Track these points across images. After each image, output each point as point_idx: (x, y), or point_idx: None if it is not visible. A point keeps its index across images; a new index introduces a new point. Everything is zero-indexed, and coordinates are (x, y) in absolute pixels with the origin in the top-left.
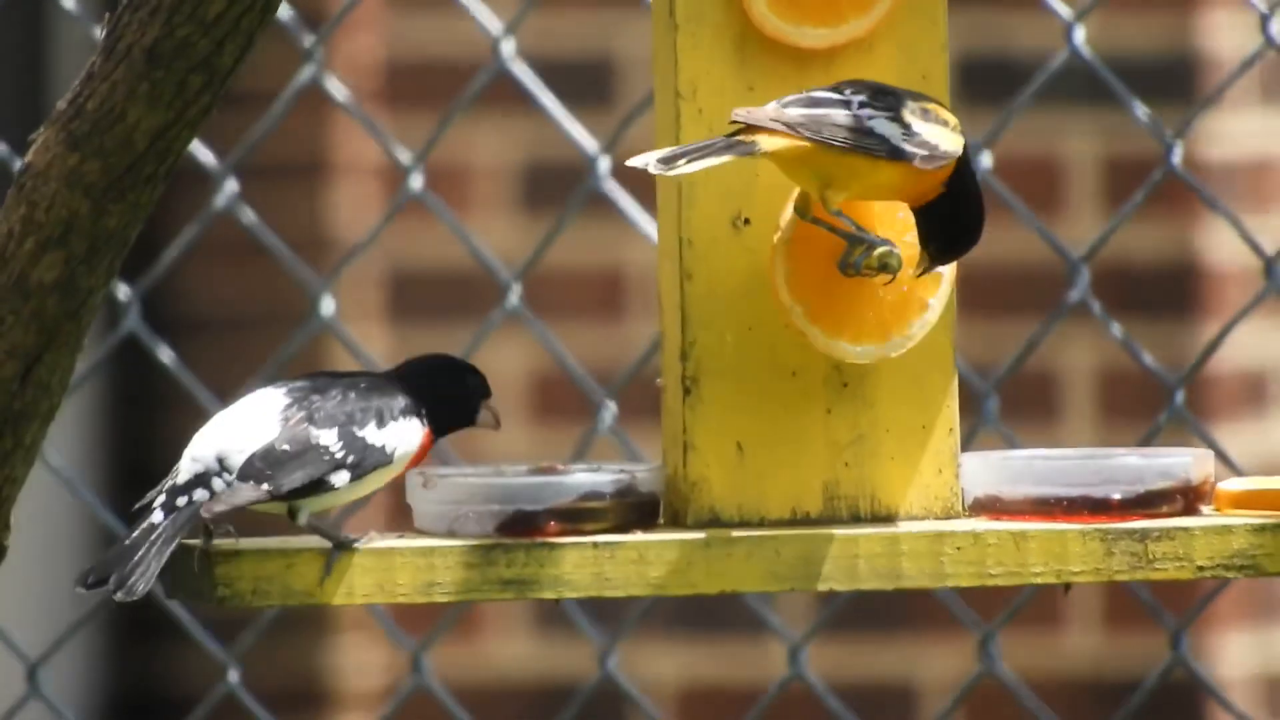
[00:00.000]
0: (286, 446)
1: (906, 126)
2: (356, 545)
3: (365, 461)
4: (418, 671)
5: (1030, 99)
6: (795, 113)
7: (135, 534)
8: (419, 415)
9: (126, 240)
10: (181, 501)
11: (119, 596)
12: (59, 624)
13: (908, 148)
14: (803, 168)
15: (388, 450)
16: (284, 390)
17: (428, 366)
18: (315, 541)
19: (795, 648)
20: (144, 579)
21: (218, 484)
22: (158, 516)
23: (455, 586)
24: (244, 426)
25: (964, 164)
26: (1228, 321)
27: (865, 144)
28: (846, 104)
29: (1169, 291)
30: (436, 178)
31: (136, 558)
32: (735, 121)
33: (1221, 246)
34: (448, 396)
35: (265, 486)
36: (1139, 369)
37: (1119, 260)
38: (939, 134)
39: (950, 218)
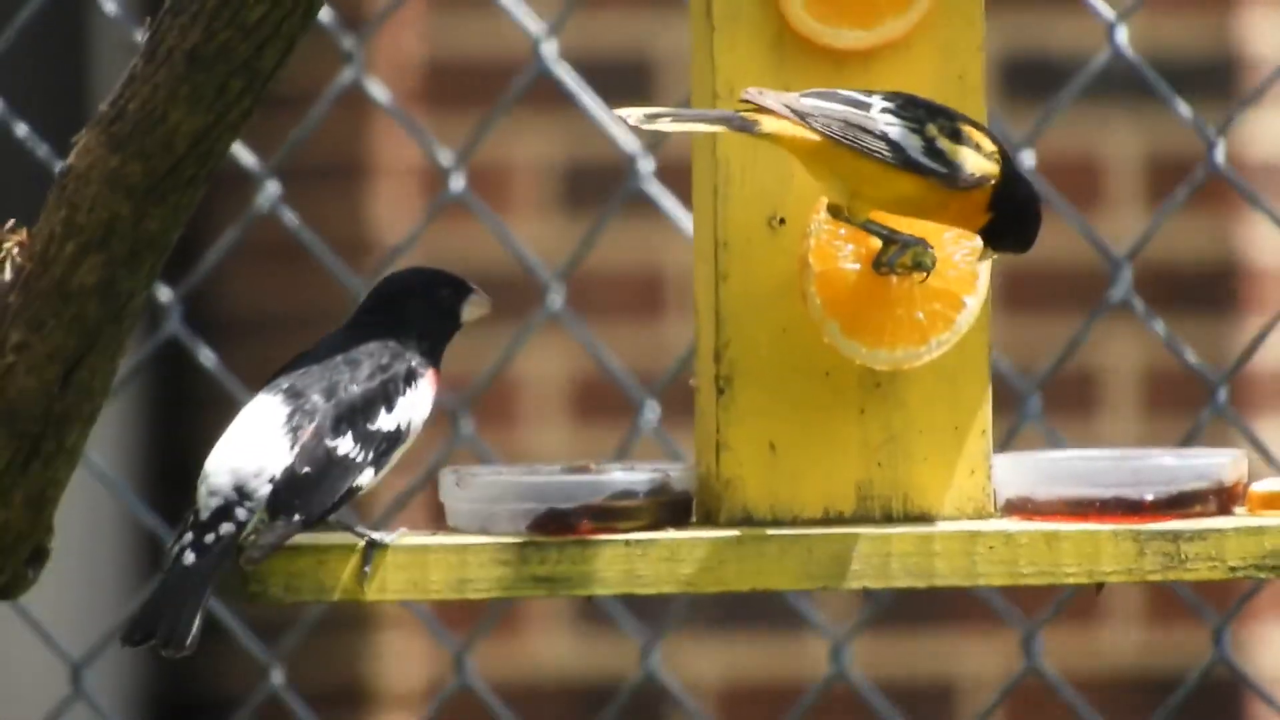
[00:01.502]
0: (308, 469)
1: (929, 141)
2: (389, 542)
3: (385, 452)
4: (461, 671)
5: (1072, 97)
6: (808, 103)
7: (170, 580)
8: (418, 371)
9: (168, 243)
10: (209, 539)
11: (168, 652)
12: (101, 624)
13: (924, 161)
14: (821, 167)
15: (401, 429)
16: (280, 396)
17: (394, 299)
18: (346, 537)
19: (838, 645)
20: (190, 630)
21: (241, 514)
22: (189, 558)
23: (488, 583)
24: (254, 447)
25: (1008, 183)
26: (1270, 319)
27: (873, 147)
28: (867, 106)
29: (1211, 289)
30: (477, 178)
31: (178, 608)
32: (745, 101)
33: (1263, 244)
34: (431, 323)
35: (298, 518)
36: (1181, 366)
37: (1161, 258)
38: (967, 156)
39: (1006, 232)
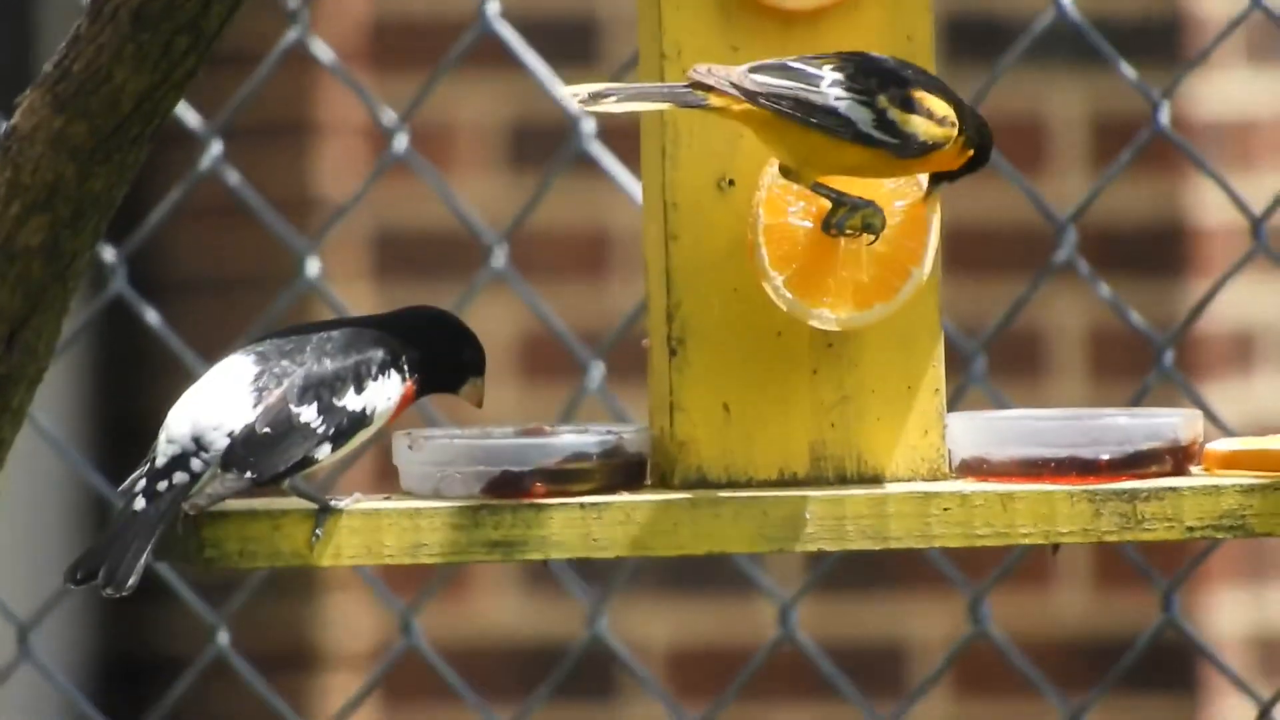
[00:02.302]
0: (268, 429)
1: (880, 113)
2: (342, 507)
3: (347, 430)
4: (408, 633)
5: (1017, 59)
6: (758, 79)
7: (119, 523)
8: (399, 368)
9: (112, 203)
10: (162, 486)
11: (108, 592)
12: (49, 587)
13: (874, 134)
14: (771, 135)
15: (367, 412)
16: (253, 356)
17: (426, 323)
18: (300, 503)
19: (785, 608)
20: (132, 572)
21: (196, 464)
22: (140, 503)
23: (442, 548)
24: (217, 401)
25: (974, 137)
26: (1215, 281)
27: (824, 123)
28: (817, 79)
29: (1156, 251)
30: (421, 138)
31: (122, 550)
32: (693, 82)
33: (1208, 206)
34: (439, 360)
35: (249, 475)
36: (1127, 328)
37: (1106, 220)
38: (920, 124)
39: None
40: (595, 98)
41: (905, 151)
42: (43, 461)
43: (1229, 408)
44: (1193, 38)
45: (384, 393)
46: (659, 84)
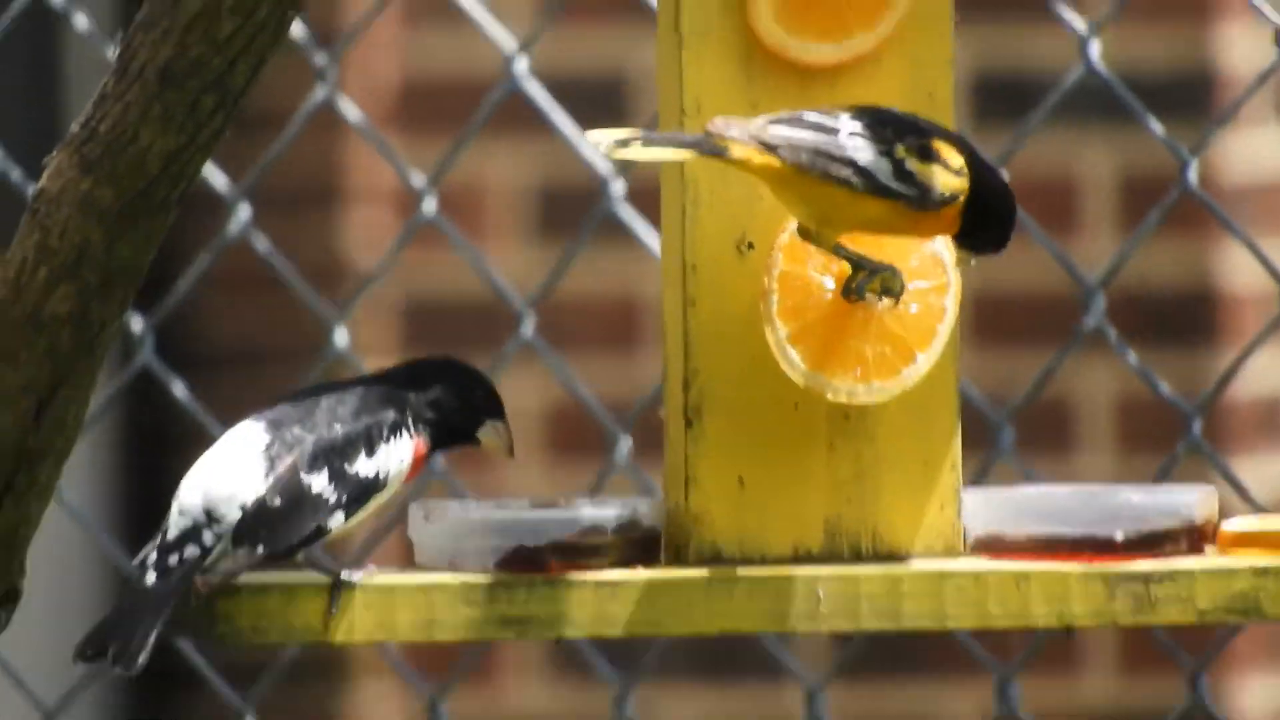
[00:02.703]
0: (279, 502)
1: (899, 164)
2: (356, 581)
3: (359, 497)
4: (435, 717)
5: (1045, 116)
6: (776, 132)
7: (129, 598)
8: (409, 428)
9: (140, 269)
10: (173, 560)
11: (118, 670)
12: (76, 670)
13: (893, 185)
14: (789, 193)
15: (380, 477)
16: (265, 423)
17: (430, 372)
18: (314, 576)
19: (813, 691)
20: (143, 649)
21: (208, 537)
22: (151, 578)
23: (455, 625)
24: (229, 471)
25: (976, 193)
26: (1244, 348)
27: (842, 175)
28: (834, 131)
29: (1185, 316)
30: (451, 201)
31: (132, 626)
32: (712, 134)
33: (1238, 270)
34: (447, 408)
35: (262, 549)
36: (1156, 396)
37: (1134, 283)
38: (936, 174)
39: (980, 236)
40: (621, 144)
41: (924, 204)
42: (69, 537)
43: (1257, 476)
44: (1222, 94)
45: (396, 455)
46: (682, 133)
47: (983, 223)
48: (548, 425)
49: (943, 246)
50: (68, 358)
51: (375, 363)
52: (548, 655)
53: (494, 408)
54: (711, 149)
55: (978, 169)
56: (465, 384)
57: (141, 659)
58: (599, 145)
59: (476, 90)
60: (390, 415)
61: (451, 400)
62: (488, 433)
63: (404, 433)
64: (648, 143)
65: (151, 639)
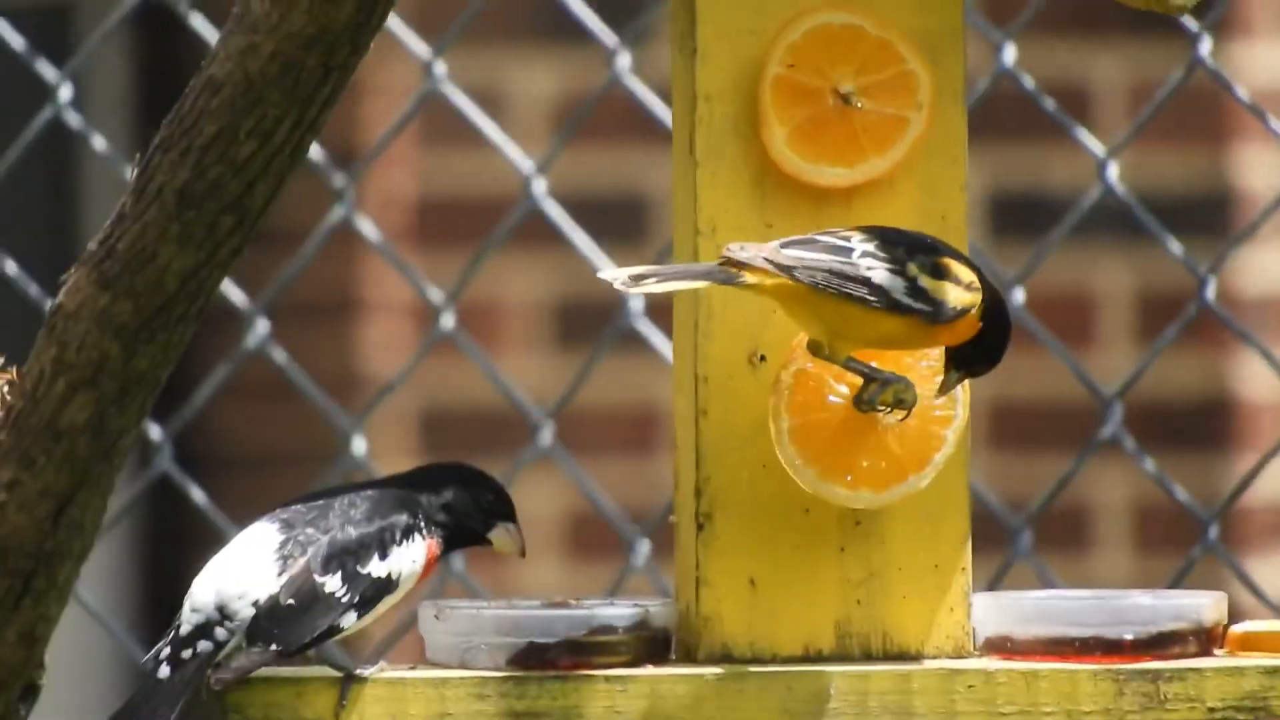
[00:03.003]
0: (292, 601)
1: (912, 280)
2: (367, 675)
3: (372, 598)
4: None
5: (1063, 234)
6: (790, 254)
7: (144, 691)
8: (421, 530)
9: (158, 380)
10: (186, 654)
11: None
12: None
13: (908, 302)
14: (803, 310)
15: (393, 578)
16: (278, 524)
17: (441, 476)
18: (324, 669)
19: None
20: None
21: (220, 633)
22: (164, 672)
23: (467, 718)
24: (242, 569)
25: (990, 308)
26: (1262, 456)
27: (858, 293)
28: (848, 251)
29: (1202, 424)
30: (468, 314)
31: (148, 718)
32: (726, 259)
33: (1255, 379)
34: (459, 510)
35: (275, 647)
36: (1172, 502)
37: (1152, 392)
38: (950, 290)
39: (978, 350)
40: (635, 280)
41: (938, 319)
42: (88, 636)
43: (1274, 582)
44: (1238, 212)
45: (409, 556)
46: (695, 264)
47: (989, 342)
48: (565, 529)
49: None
50: (85, 464)
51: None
52: None
53: (504, 509)
54: (725, 278)
55: (990, 292)
56: (475, 487)
57: None
58: (615, 281)
59: (492, 206)
60: (403, 518)
61: (463, 503)
62: (499, 534)
63: (416, 535)
64: (662, 279)
65: None
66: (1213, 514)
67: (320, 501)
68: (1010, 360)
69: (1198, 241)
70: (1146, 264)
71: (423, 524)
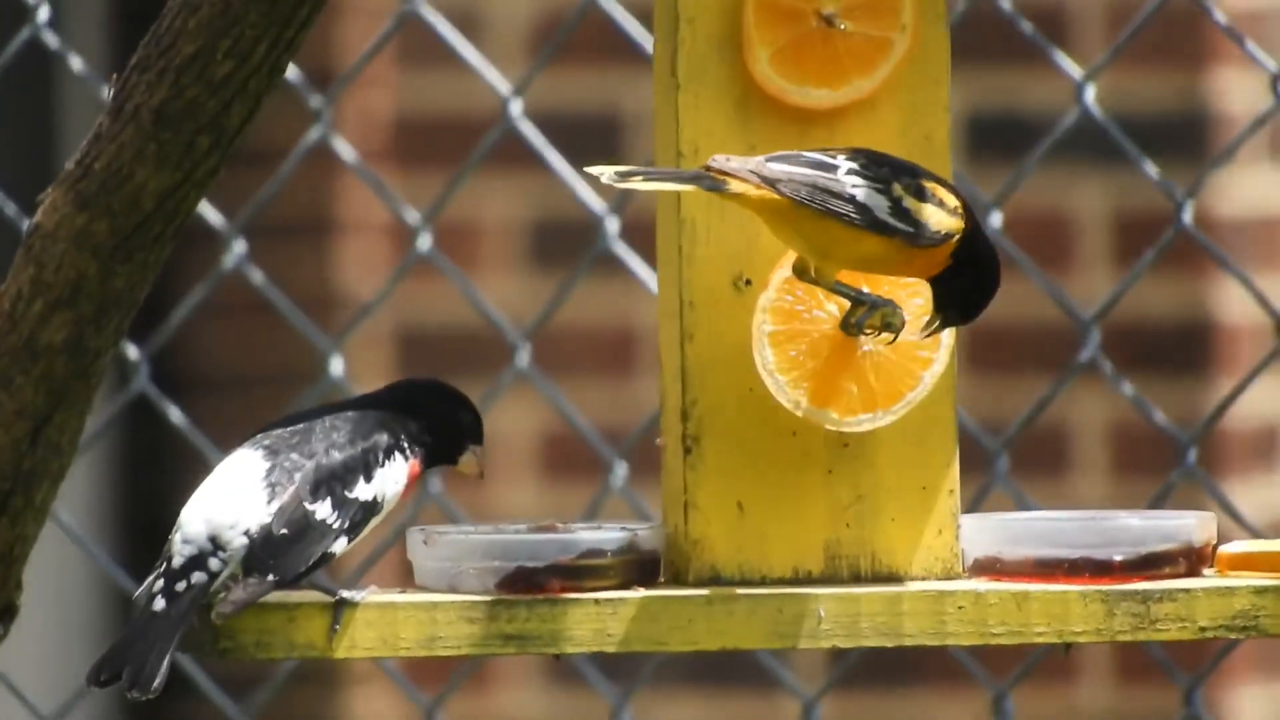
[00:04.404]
0: (285, 531)
1: (896, 201)
2: (358, 600)
3: (361, 521)
4: None
5: (1040, 157)
6: (775, 168)
7: (140, 624)
8: (403, 450)
9: (135, 300)
10: (181, 586)
11: (133, 694)
12: (71, 681)
13: (891, 221)
14: (786, 227)
15: (378, 500)
16: (262, 451)
17: (420, 394)
18: (315, 595)
19: (809, 704)
20: (157, 673)
21: (214, 564)
22: (160, 604)
23: (458, 641)
24: (231, 499)
25: (971, 239)
26: (1240, 380)
27: (842, 210)
28: (833, 168)
29: (1181, 348)
30: (445, 235)
31: (145, 651)
32: (710, 169)
33: (1233, 303)
34: (437, 429)
35: (271, 578)
36: (1151, 426)
37: (1130, 317)
38: (932, 213)
39: (959, 288)
40: (622, 176)
41: (919, 240)
42: (66, 557)
43: (1252, 504)
44: (1216, 135)
45: (392, 477)
46: (682, 169)
47: (969, 274)
48: (541, 450)
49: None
50: (62, 384)
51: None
52: (543, 666)
53: (477, 431)
54: (711, 184)
55: (973, 221)
56: (452, 408)
57: (157, 683)
58: (602, 176)
59: (470, 127)
60: (385, 438)
61: (440, 423)
62: (466, 456)
63: (398, 455)
64: (649, 177)
65: (165, 663)
66: (1191, 437)
67: (301, 425)
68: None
69: (1175, 165)
70: (1124, 187)
71: (404, 443)
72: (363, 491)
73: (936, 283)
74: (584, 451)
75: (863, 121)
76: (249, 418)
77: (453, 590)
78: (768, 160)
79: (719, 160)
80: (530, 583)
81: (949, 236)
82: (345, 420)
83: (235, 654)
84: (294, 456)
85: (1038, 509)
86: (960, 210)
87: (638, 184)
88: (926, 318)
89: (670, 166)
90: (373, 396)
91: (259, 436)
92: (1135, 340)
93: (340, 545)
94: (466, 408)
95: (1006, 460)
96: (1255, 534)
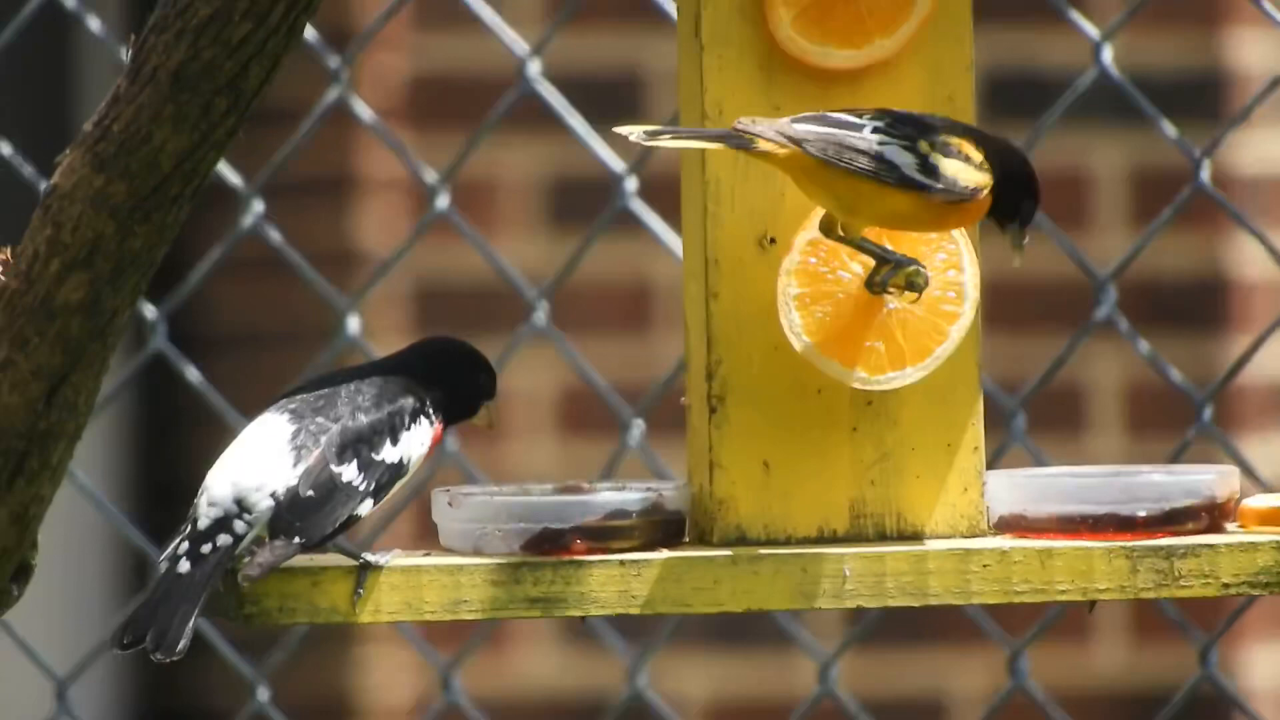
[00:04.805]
0: (311, 493)
1: (923, 158)
2: (382, 563)
3: (387, 484)
4: (448, 688)
5: (1057, 116)
6: (802, 128)
7: (164, 586)
8: (427, 413)
9: (152, 261)
10: (206, 549)
11: (158, 656)
12: (86, 641)
13: (919, 178)
14: (814, 185)
15: (404, 462)
16: (287, 415)
17: (441, 355)
18: (339, 559)
19: (825, 664)
20: (182, 635)
21: (239, 526)
22: (184, 566)
23: (482, 604)
24: (257, 462)
25: (1000, 182)
26: (1256, 337)
27: (870, 167)
28: (859, 127)
29: (1197, 305)
30: (463, 194)
31: (170, 614)
32: (739, 129)
33: (1249, 261)
34: (456, 389)
35: (298, 540)
36: (1167, 383)
37: (1146, 274)
38: (959, 169)
39: (1009, 212)
40: (651, 135)
41: (948, 196)
42: (82, 516)
43: (1268, 461)
44: (1233, 94)
45: (417, 439)
46: (709, 128)
47: (1012, 204)
48: (559, 408)
49: (966, 261)
50: (79, 344)
51: (387, 349)
52: (560, 626)
53: (491, 389)
54: (738, 142)
55: (999, 158)
56: (472, 370)
57: (182, 645)
58: (630, 135)
59: (487, 86)
60: (410, 401)
61: (460, 383)
62: (481, 415)
63: (423, 418)
64: (677, 135)
65: (190, 626)
66: (1207, 395)
67: (325, 390)
68: (1005, 240)
69: (1192, 124)
70: (1141, 146)
71: (429, 407)
72: (389, 454)
73: (1001, 220)
74: (601, 409)
75: (885, 82)
76: (266, 377)
77: (477, 552)
78: (793, 121)
79: (744, 122)
80: (555, 544)
81: (978, 192)
82: (370, 384)
83: (259, 619)
84: (319, 420)
85: (1056, 466)
86: (985, 164)
87: (666, 142)
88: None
89: (695, 126)
90: (394, 359)
91: (283, 401)
92: (1151, 298)
93: (366, 508)
94: (485, 369)
95: (1024, 419)
96: (1269, 489)
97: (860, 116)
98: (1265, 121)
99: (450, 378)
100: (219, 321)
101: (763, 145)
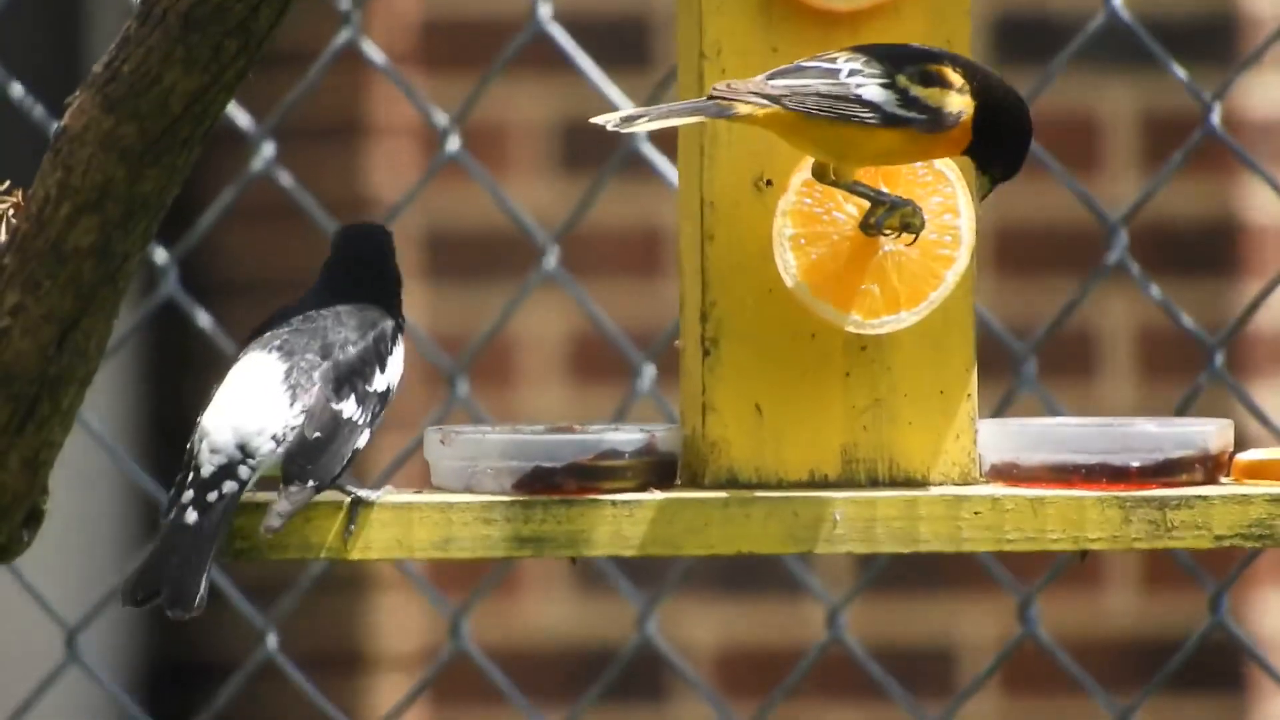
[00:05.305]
0: (319, 434)
1: (903, 91)
2: (374, 499)
3: (379, 412)
4: (457, 635)
5: (1068, 59)
6: (779, 84)
7: (172, 538)
8: (400, 329)
9: (163, 204)
10: (212, 497)
11: (175, 613)
12: (96, 588)
13: (903, 113)
14: (800, 138)
15: (391, 388)
16: (276, 353)
17: (374, 257)
18: (330, 495)
19: (834, 610)
20: (198, 590)
21: (244, 472)
22: (191, 516)
23: (472, 543)
24: (254, 404)
25: (984, 105)
26: (1268, 282)
27: (852, 112)
28: (835, 73)
29: (1208, 250)
30: (473, 138)
31: (182, 567)
32: (714, 96)
33: (1261, 205)
34: (397, 283)
35: (312, 484)
36: (1178, 329)
37: (1157, 219)
38: (940, 96)
39: (994, 148)
40: (627, 121)
41: (936, 126)
42: (93, 463)
43: (1279, 406)
44: (1245, 37)
45: (398, 361)
46: (685, 101)
47: (996, 137)
48: (569, 353)
49: (963, 205)
50: (90, 288)
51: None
52: (570, 573)
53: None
54: (717, 110)
55: (984, 85)
56: (392, 257)
57: (199, 601)
58: (606, 124)
59: (498, 29)
60: (389, 323)
61: (396, 275)
62: None
63: (399, 338)
64: (654, 118)
65: (204, 580)
66: (1219, 340)
67: (303, 323)
68: (1015, 185)
69: (1203, 67)
70: (1152, 89)
71: (400, 322)
72: (379, 382)
73: (970, 152)
74: (612, 354)
75: (885, 24)
76: None
77: (469, 490)
78: (768, 78)
79: (719, 88)
80: (547, 483)
81: (962, 114)
82: (349, 312)
83: (251, 555)
84: (309, 356)
85: (1065, 413)
86: (966, 87)
87: (643, 126)
88: (977, 187)
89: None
90: (342, 277)
91: (267, 336)
92: (1163, 242)
93: (364, 439)
94: (386, 232)
95: (1034, 364)
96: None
97: (834, 60)
98: (1276, 65)
99: (391, 272)
100: (229, 266)
101: (742, 110)
